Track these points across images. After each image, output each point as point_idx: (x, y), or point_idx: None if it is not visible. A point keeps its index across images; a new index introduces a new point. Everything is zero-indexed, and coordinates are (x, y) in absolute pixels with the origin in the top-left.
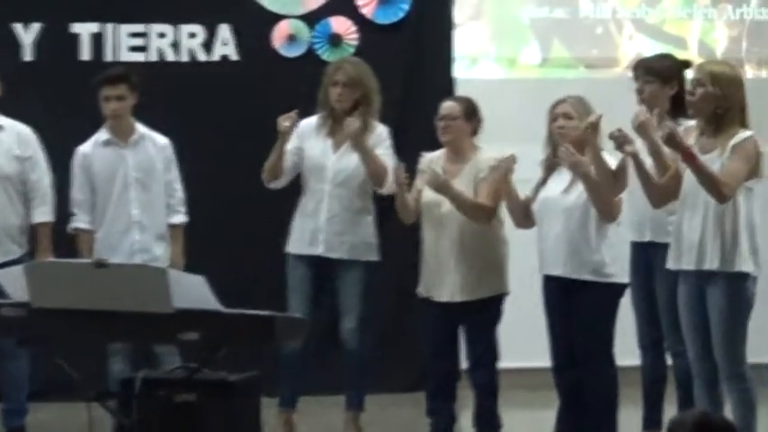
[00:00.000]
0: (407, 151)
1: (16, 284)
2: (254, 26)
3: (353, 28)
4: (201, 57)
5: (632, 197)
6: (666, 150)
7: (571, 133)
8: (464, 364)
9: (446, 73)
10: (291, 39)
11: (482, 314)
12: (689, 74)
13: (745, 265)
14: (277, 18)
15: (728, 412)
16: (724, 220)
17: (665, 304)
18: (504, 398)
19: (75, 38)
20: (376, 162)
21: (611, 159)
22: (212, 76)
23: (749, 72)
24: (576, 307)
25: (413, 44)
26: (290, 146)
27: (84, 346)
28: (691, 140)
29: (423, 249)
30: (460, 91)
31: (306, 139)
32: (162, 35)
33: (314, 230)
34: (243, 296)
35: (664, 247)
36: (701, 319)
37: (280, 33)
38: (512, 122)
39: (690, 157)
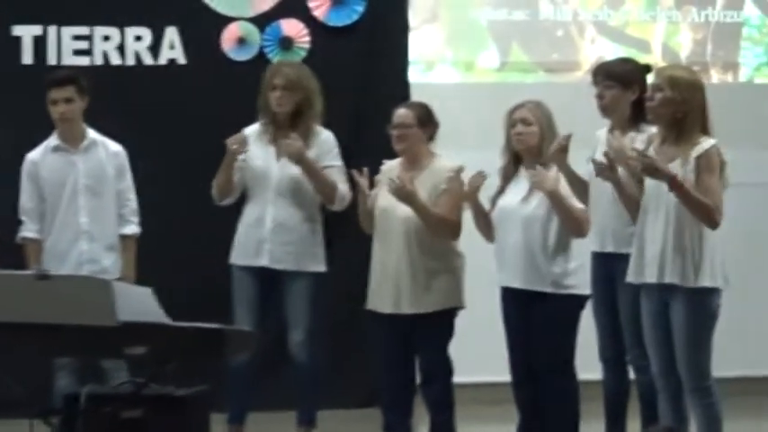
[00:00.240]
0: (361, 158)
1: None
2: (203, 29)
3: (305, 31)
4: (148, 60)
5: (594, 207)
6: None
7: (529, 140)
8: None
9: (401, 77)
10: (241, 42)
11: (432, 328)
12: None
13: (708, 279)
14: (226, 20)
15: (693, 428)
16: (685, 233)
17: (627, 317)
18: (463, 413)
19: (16, 41)
20: (323, 179)
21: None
22: (159, 81)
23: (714, 76)
24: (536, 320)
25: (366, 47)
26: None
27: (28, 361)
28: (652, 149)
29: (371, 259)
30: (416, 96)
31: (249, 148)
32: (107, 38)
33: (259, 241)
34: (189, 309)
35: (626, 258)
36: (665, 332)
37: (229, 36)
38: (469, 129)
39: (677, 186)
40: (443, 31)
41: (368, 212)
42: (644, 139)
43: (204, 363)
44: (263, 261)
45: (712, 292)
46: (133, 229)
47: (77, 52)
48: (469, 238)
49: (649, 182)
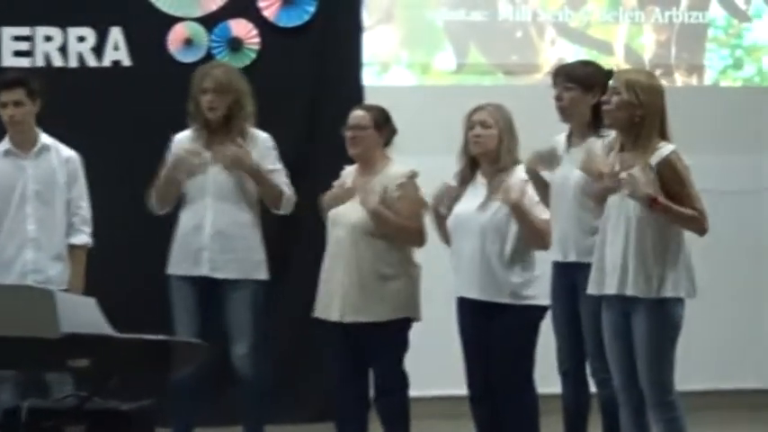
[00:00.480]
0: (313, 163)
1: None
2: (148, 29)
3: (255, 31)
4: (92, 62)
5: (555, 214)
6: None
7: (488, 143)
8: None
9: (354, 80)
10: (188, 43)
11: (385, 339)
12: None
13: (670, 289)
14: (173, 21)
15: None
16: (646, 243)
17: (588, 328)
18: (419, 428)
19: None
20: (270, 183)
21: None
22: (103, 83)
23: (679, 79)
24: (494, 331)
25: (319, 49)
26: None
27: None
28: (612, 156)
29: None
30: (370, 99)
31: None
32: (49, 39)
33: (197, 249)
34: (126, 322)
35: (588, 268)
36: (626, 344)
37: (176, 37)
38: (425, 133)
39: (658, 205)
40: (398, 32)
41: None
42: (603, 144)
43: (149, 376)
44: (203, 270)
45: (675, 303)
46: (83, 238)
47: (18, 53)
48: (427, 246)
49: (611, 197)
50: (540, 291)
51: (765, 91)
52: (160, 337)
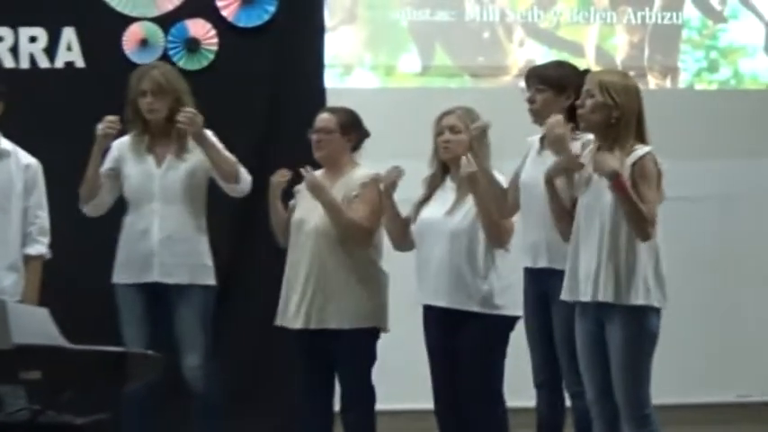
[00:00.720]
0: (274, 168)
1: None
2: (102, 29)
3: (213, 32)
4: (44, 63)
5: (526, 218)
6: None
7: (457, 149)
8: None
9: (316, 82)
10: (144, 43)
11: (350, 348)
12: None
13: (643, 297)
14: (128, 20)
15: None
16: (619, 248)
17: (562, 338)
18: None
19: None
20: (223, 153)
21: (502, 178)
22: (56, 85)
23: (652, 82)
24: (462, 342)
25: (279, 50)
26: (104, 168)
27: None
28: (587, 158)
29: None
30: (332, 102)
31: (123, 161)
32: None
33: (146, 255)
34: (71, 333)
35: (561, 275)
36: (600, 355)
37: (131, 38)
38: (389, 137)
39: (620, 185)
40: (361, 33)
41: (281, 222)
42: (577, 147)
43: (104, 389)
44: (153, 276)
45: (651, 313)
46: (38, 249)
47: None
48: (387, 253)
49: (583, 199)
50: (511, 299)
51: (741, 94)
52: (116, 348)
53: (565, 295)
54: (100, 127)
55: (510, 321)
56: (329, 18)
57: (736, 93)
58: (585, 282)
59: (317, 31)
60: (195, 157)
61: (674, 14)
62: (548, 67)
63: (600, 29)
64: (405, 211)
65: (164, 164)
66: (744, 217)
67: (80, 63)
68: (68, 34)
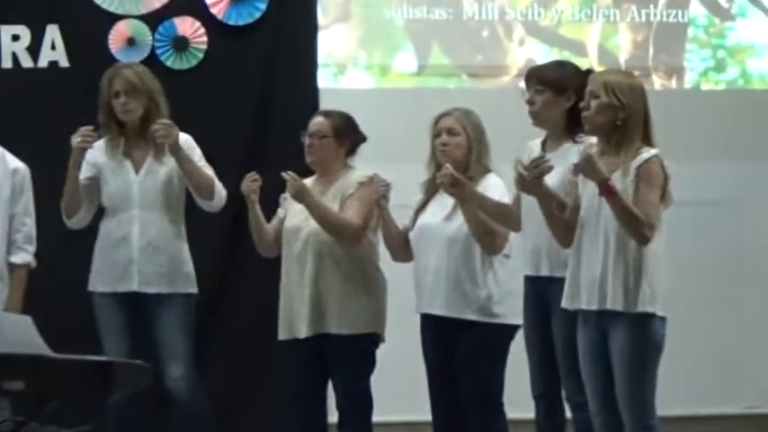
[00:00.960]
0: (263, 172)
1: None
2: (88, 28)
3: (202, 30)
4: (27, 63)
5: (526, 225)
6: None
7: (455, 152)
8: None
9: (309, 83)
10: (131, 42)
11: (346, 356)
12: None
13: (651, 304)
14: (114, 18)
15: None
16: (627, 254)
17: (563, 348)
18: None
19: None
20: (199, 170)
21: (501, 183)
22: (39, 85)
23: (657, 82)
24: (460, 351)
25: (270, 49)
26: (82, 176)
27: None
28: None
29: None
30: (325, 103)
31: (100, 166)
32: None
33: (126, 263)
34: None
35: (561, 283)
36: (603, 365)
37: (117, 36)
38: (384, 139)
39: (608, 190)
40: (356, 31)
41: (260, 228)
42: (579, 151)
43: (89, 399)
44: (133, 285)
45: (656, 321)
46: (24, 257)
47: None
48: (384, 260)
49: (587, 196)
50: (511, 307)
51: (750, 95)
52: (103, 358)
53: (566, 303)
54: (76, 140)
55: (510, 330)
56: (322, 16)
57: (744, 93)
58: (589, 289)
59: (310, 29)
60: (173, 160)
61: (680, 12)
62: (548, 67)
63: (603, 27)
64: (404, 216)
65: (142, 169)
66: (753, 221)
67: (64, 62)
68: (52, 32)
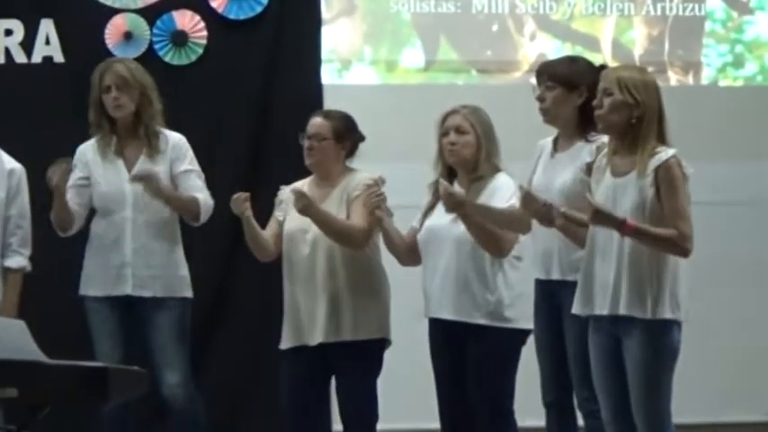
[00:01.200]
0: (265, 171)
1: None
2: (83, 22)
3: (201, 24)
4: (20, 58)
5: (536, 227)
6: None
7: (463, 151)
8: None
9: (312, 79)
10: (128, 37)
11: (352, 362)
12: None
13: (668, 310)
14: (110, 12)
15: None
16: (642, 258)
17: (575, 354)
18: None
19: None
20: (181, 198)
21: (512, 182)
22: (33, 81)
23: (673, 78)
24: (469, 357)
25: (272, 44)
26: (72, 180)
27: None
28: (603, 161)
29: (284, 293)
30: (330, 99)
31: (91, 166)
32: None
33: (119, 266)
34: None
35: (573, 287)
36: (617, 372)
37: (114, 30)
38: (390, 137)
39: (631, 230)
40: (361, 26)
41: (255, 236)
42: (592, 150)
43: (84, 406)
44: (126, 288)
45: (672, 326)
46: (19, 261)
47: None
48: (389, 264)
49: (598, 199)
50: (521, 312)
51: None
52: (98, 364)
53: (577, 308)
54: (54, 178)
55: (521, 335)
56: (326, 10)
57: (763, 90)
58: (602, 293)
59: (314, 23)
60: (166, 159)
61: (697, 6)
62: (559, 62)
63: (617, 21)
64: (410, 217)
65: (135, 168)
66: None
67: (59, 58)
68: (47, 27)
